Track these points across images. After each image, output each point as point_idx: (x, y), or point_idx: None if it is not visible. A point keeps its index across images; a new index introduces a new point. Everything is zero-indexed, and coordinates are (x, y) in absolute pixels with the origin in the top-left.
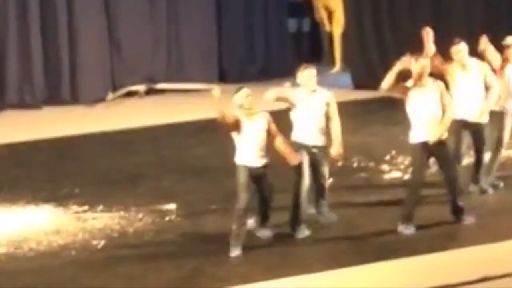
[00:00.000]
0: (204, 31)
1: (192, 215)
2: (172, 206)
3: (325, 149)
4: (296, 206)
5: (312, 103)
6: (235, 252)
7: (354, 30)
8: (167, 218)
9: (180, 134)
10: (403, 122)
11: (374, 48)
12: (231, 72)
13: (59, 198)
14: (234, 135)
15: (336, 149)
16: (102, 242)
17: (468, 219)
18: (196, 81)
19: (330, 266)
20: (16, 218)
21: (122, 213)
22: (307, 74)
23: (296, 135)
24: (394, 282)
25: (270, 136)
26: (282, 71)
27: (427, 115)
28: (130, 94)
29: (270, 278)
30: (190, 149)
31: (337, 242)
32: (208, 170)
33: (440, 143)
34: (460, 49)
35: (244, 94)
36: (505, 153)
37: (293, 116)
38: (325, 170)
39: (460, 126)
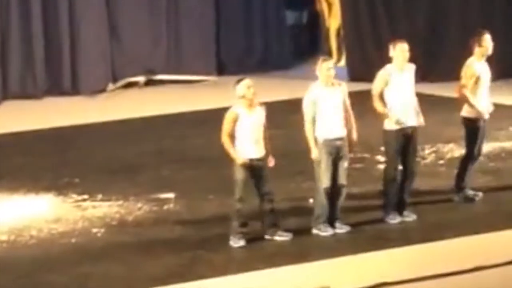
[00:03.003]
0: (203, 23)
1: (191, 204)
2: (170, 195)
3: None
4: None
5: (334, 96)
6: (240, 243)
7: (351, 23)
8: (165, 207)
9: (179, 124)
10: None
11: (370, 41)
12: (229, 64)
13: (60, 187)
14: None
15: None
16: (102, 230)
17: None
18: (195, 73)
19: (326, 255)
20: (18, 206)
21: (121, 201)
22: (326, 67)
23: (321, 130)
24: (388, 271)
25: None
26: (280, 63)
27: (404, 100)
28: (130, 85)
29: (268, 266)
30: (189, 139)
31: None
32: (207, 160)
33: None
34: None
35: (245, 84)
36: (498, 145)
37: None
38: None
39: None
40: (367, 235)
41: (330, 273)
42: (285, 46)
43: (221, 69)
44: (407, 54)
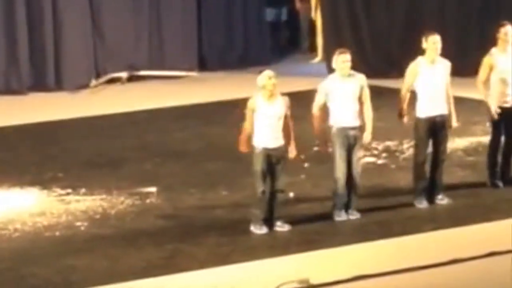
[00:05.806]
0: (185, 20)
1: (173, 197)
2: (153, 189)
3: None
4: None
5: (348, 87)
6: (263, 230)
7: (330, 19)
8: (148, 201)
9: (161, 119)
10: (376, 109)
11: (349, 38)
12: (210, 59)
13: (44, 181)
14: (254, 118)
15: (368, 135)
16: (85, 224)
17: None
18: (177, 68)
19: (306, 248)
20: (2, 200)
21: (104, 195)
22: (342, 59)
23: (334, 119)
24: (368, 263)
25: (284, 121)
26: (260, 59)
27: (434, 91)
28: (112, 80)
29: (248, 259)
30: (171, 134)
31: (314, 225)
32: (188, 154)
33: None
34: (507, 31)
35: (267, 75)
36: (475, 139)
37: (331, 102)
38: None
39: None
40: (346, 228)
41: (310, 266)
42: (265, 42)
43: (203, 65)
44: (438, 46)
